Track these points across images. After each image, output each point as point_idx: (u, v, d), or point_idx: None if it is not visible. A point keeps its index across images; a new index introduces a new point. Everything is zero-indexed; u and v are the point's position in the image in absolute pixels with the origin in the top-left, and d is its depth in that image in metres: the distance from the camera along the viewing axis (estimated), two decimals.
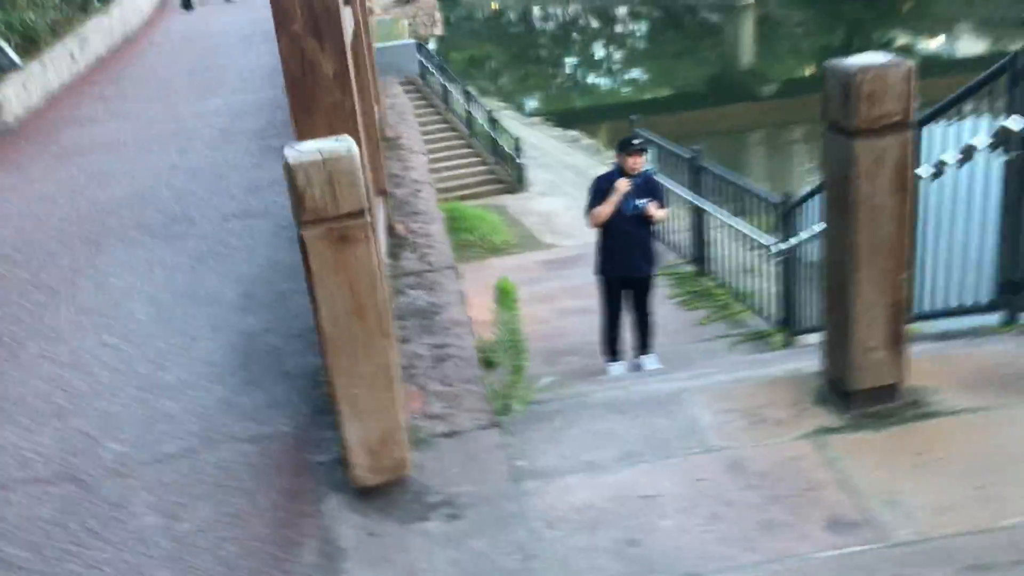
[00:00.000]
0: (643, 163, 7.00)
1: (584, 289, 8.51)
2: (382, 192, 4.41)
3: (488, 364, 3.48)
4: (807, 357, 3.33)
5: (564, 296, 10.13)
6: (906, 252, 2.71)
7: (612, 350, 7.57)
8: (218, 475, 2.82)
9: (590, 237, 7.68)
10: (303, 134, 2.62)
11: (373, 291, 2.44)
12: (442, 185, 19.10)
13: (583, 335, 8.79)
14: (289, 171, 2.26)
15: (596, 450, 2.81)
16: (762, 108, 29.44)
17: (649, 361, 7.59)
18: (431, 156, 19.95)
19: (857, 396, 2.83)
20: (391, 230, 4.48)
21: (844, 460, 2.63)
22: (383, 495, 2.62)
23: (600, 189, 6.98)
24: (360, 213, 2.36)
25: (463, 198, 17.93)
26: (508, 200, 18.46)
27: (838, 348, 2.86)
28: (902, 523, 2.36)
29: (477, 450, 2.84)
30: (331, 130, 2.60)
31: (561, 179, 19.40)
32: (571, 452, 2.82)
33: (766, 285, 8.47)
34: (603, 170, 7.53)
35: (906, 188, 2.65)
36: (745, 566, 2.27)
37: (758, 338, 8.30)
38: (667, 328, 8.21)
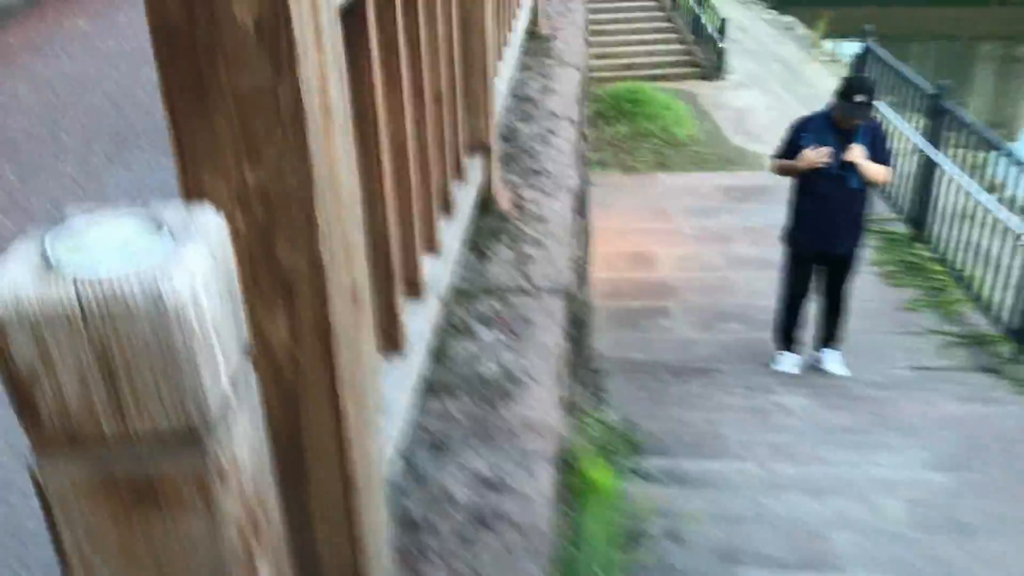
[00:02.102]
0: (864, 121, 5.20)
1: (769, 234, 6.85)
2: (480, 146, 2.94)
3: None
4: None
5: (742, 238, 8.45)
6: None
7: (786, 338, 5.98)
8: None
9: None
10: (189, 156, 1.18)
11: None
12: (628, 61, 17.19)
13: (756, 296, 7.21)
14: None
15: None
16: (1000, 15, 25.32)
17: (831, 360, 5.96)
18: (621, 26, 17.97)
19: None
20: (486, 202, 3.02)
21: None
22: None
23: (794, 140, 5.29)
24: (191, 436, 0.94)
25: (650, 79, 16.00)
26: (701, 88, 16.39)
27: None
28: None
29: None
30: (254, 147, 1.16)
31: (765, 71, 16.98)
32: None
33: (1003, 274, 6.60)
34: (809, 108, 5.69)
35: None
36: None
37: (978, 343, 6.52)
38: (863, 307, 6.46)
